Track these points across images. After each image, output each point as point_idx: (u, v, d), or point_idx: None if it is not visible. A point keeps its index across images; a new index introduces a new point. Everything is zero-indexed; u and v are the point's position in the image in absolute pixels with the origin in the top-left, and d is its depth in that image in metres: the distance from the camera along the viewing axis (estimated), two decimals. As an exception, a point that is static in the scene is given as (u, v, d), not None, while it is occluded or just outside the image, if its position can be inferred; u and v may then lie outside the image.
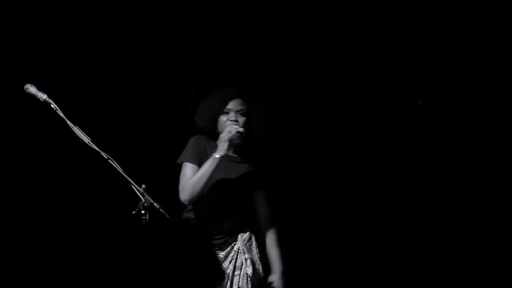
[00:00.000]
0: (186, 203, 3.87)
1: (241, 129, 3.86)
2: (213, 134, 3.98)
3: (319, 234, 5.25)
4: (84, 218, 4.84)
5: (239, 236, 3.95)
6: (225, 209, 3.92)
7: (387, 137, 5.25)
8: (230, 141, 3.83)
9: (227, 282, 3.89)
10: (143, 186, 3.32)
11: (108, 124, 4.75)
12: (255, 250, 3.97)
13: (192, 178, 3.83)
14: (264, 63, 5.12)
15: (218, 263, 3.90)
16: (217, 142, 3.95)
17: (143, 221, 3.20)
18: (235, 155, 3.99)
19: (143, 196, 3.24)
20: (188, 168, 3.89)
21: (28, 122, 4.62)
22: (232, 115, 3.91)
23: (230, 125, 3.87)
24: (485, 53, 5.08)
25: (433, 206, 5.23)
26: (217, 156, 3.82)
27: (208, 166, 3.81)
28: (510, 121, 5.15)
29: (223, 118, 3.93)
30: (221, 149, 3.83)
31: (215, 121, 3.94)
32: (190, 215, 3.97)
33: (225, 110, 3.93)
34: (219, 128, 3.94)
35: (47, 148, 4.74)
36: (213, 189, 3.90)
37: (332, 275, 5.25)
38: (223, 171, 3.91)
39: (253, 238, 3.98)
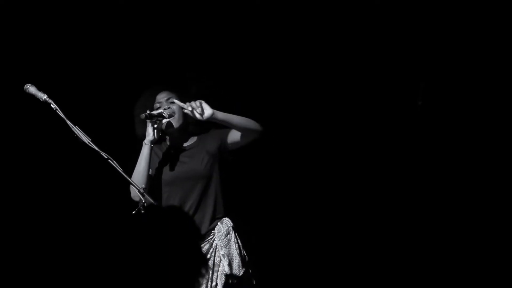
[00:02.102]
0: (137, 198, 3.86)
1: (159, 110, 3.87)
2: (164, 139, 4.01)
3: (318, 236, 5.26)
4: (84, 218, 4.84)
5: (216, 231, 3.93)
6: (192, 202, 3.91)
7: (387, 137, 5.25)
8: (151, 123, 3.84)
9: (208, 279, 3.88)
10: (143, 186, 3.33)
11: (108, 124, 4.75)
12: (233, 246, 3.94)
13: (134, 173, 3.85)
14: (263, 63, 5.12)
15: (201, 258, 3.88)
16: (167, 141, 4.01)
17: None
18: (187, 144, 4.02)
19: (143, 196, 3.25)
20: None
21: (28, 122, 4.62)
22: (164, 105, 3.94)
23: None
24: (485, 53, 5.08)
25: (432, 206, 5.23)
26: (145, 142, 3.85)
27: (141, 154, 3.85)
28: (510, 121, 5.15)
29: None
30: (146, 134, 3.86)
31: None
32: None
33: (156, 105, 3.95)
34: None
35: (47, 148, 4.74)
36: (174, 185, 3.91)
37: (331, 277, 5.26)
38: (180, 162, 3.93)
39: (232, 233, 3.96)
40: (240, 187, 4.80)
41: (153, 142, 3.87)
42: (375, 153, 5.26)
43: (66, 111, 3.40)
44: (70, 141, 3.35)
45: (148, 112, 3.85)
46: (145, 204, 3.22)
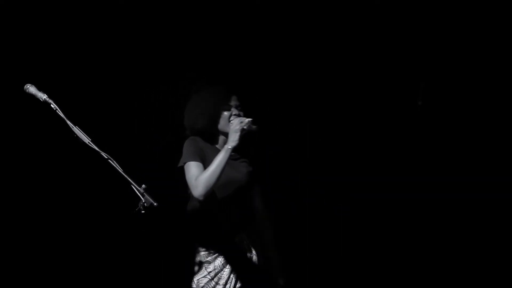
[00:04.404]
0: (201, 198, 3.81)
1: (248, 119, 3.87)
2: (209, 135, 3.97)
3: (318, 236, 5.26)
4: (84, 218, 4.84)
5: (245, 234, 3.96)
6: (232, 209, 3.92)
7: (387, 137, 5.26)
8: (241, 131, 3.83)
9: (232, 279, 3.89)
10: (143, 186, 3.32)
11: (108, 124, 4.75)
12: (258, 247, 3.98)
13: (204, 172, 3.80)
14: (263, 63, 5.12)
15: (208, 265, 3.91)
16: (218, 142, 3.97)
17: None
18: (232, 153, 4.00)
19: (143, 196, 3.24)
20: (193, 166, 3.85)
21: (28, 122, 4.62)
22: (235, 111, 3.94)
23: (239, 118, 3.88)
24: (485, 53, 5.08)
25: (432, 206, 5.23)
26: (229, 147, 3.81)
27: (221, 157, 3.79)
28: (510, 121, 5.16)
29: (225, 114, 3.94)
30: (233, 139, 3.81)
31: (214, 120, 3.95)
32: (198, 217, 3.95)
33: (226, 107, 3.95)
34: (221, 125, 3.95)
35: (47, 148, 4.74)
36: (218, 189, 3.90)
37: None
38: (227, 168, 3.92)
39: (256, 235, 3.99)
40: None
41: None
42: (375, 153, 5.27)
43: (66, 111, 3.40)
44: (70, 141, 3.34)
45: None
46: (145, 204, 3.21)
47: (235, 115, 3.94)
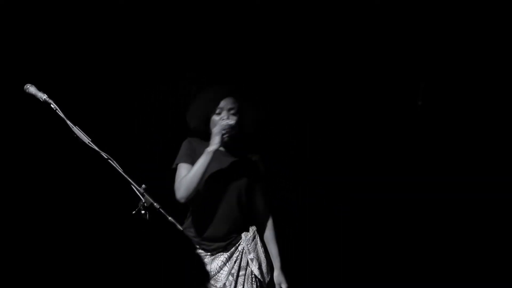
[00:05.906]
0: (183, 201, 3.82)
1: (231, 122, 3.84)
2: (207, 136, 3.95)
3: (318, 237, 5.26)
4: (84, 218, 4.84)
5: (243, 235, 3.93)
6: (226, 209, 3.90)
7: (387, 137, 5.26)
8: (222, 134, 3.81)
9: (232, 282, 3.88)
10: (143, 186, 3.32)
11: (108, 124, 4.75)
12: (260, 249, 3.95)
13: (187, 175, 3.81)
14: (263, 63, 5.12)
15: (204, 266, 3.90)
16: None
17: (144, 215, 3.20)
18: (228, 152, 3.97)
19: (143, 196, 3.24)
20: (182, 168, 3.86)
21: (28, 122, 4.62)
22: (224, 114, 3.89)
23: (222, 121, 3.85)
24: (485, 53, 5.08)
25: (432, 206, 5.23)
26: (210, 150, 3.80)
27: (202, 161, 3.79)
28: (510, 121, 5.16)
29: (215, 117, 3.90)
30: (213, 142, 3.81)
31: (207, 121, 3.93)
32: (191, 222, 3.93)
33: (218, 110, 3.91)
34: (211, 127, 3.92)
35: (47, 148, 4.74)
36: (212, 188, 3.89)
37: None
38: (218, 167, 3.90)
39: (257, 237, 3.96)
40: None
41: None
42: (375, 153, 5.26)
43: (66, 111, 3.40)
44: (70, 141, 3.34)
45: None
46: (145, 204, 3.21)
47: (223, 118, 3.89)
